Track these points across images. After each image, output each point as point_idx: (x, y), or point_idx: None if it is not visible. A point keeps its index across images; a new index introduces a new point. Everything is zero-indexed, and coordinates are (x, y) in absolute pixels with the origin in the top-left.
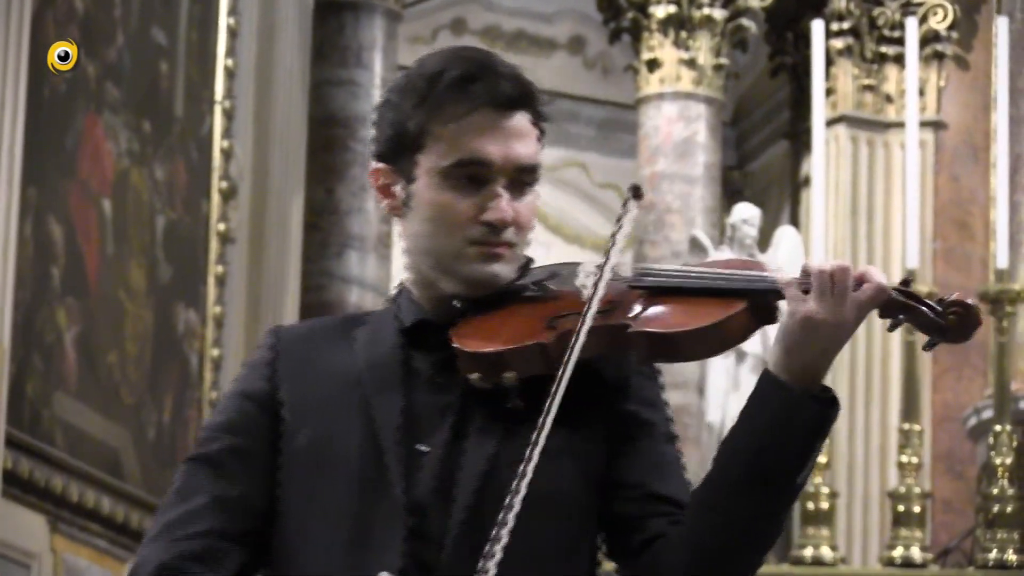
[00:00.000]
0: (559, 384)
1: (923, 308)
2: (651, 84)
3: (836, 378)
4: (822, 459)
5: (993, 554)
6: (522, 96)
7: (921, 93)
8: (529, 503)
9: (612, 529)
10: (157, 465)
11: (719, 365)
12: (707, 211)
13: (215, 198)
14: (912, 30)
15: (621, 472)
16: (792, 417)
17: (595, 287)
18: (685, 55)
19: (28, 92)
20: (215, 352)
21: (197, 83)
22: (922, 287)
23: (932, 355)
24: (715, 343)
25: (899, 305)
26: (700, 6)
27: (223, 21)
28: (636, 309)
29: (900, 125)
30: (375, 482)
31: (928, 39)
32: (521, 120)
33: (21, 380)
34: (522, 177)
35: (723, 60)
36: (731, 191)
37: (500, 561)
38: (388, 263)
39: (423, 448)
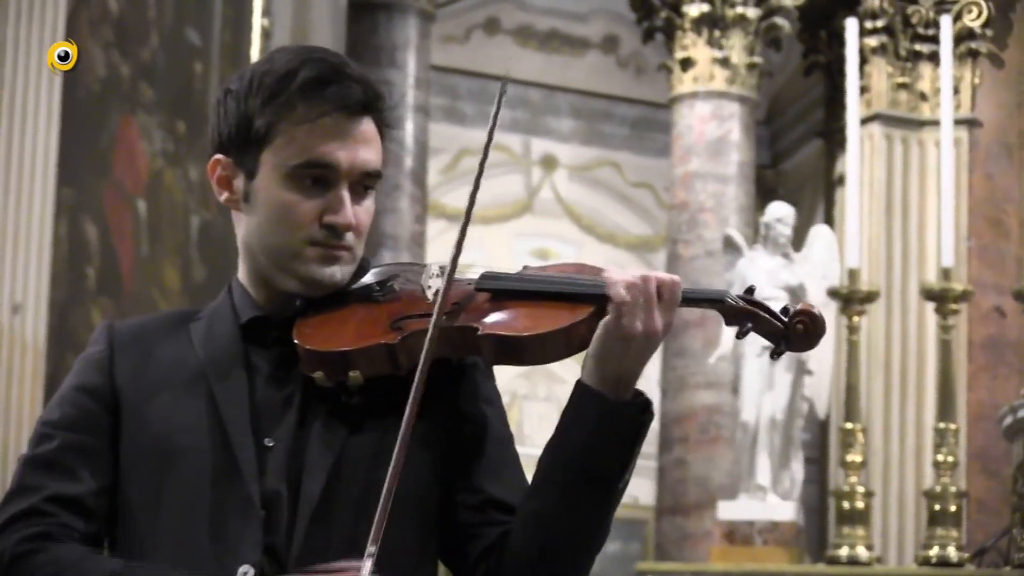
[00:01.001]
0: (419, 384)
1: (768, 316)
2: (684, 83)
3: (871, 377)
4: (857, 458)
5: None
6: (371, 102)
7: (955, 91)
8: (351, 499)
9: (451, 536)
10: None
11: (753, 365)
12: (741, 210)
13: None
14: (946, 28)
15: (461, 475)
16: (610, 425)
17: (446, 282)
18: (718, 54)
19: (63, 93)
20: None
21: None
22: (957, 285)
23: (967, 353)
24: (562, 347)
25: (745, 313)
26: (733, 5)
27: (256, 22)
28: (483, 311)
29: (934, 123)
30: (227, 476)
31: (962, 37)
32: (368, 125)
33: (56, 380)
34: (365, 182)
35: (756, 59)
36: (765, 190)
37: (322, 548)
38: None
39: (269, 443)
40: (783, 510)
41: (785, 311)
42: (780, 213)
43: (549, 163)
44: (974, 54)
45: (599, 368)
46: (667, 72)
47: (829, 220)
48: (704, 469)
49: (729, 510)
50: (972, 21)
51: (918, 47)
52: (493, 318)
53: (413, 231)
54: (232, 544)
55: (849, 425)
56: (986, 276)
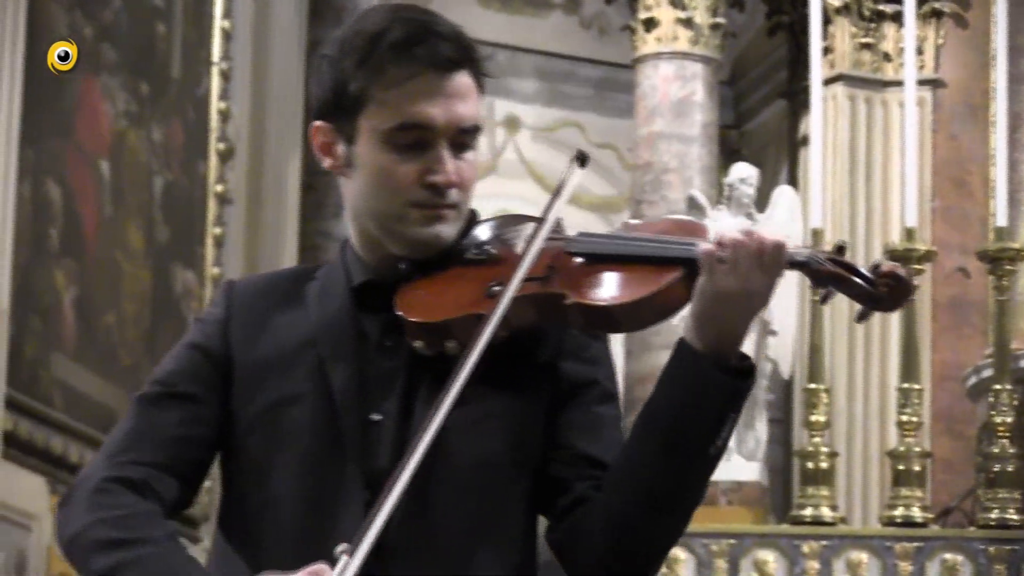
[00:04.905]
0: (470, 355)
1: (855, 279)
2: (648, 43)
3: (835, 338)
4: (821, 418)
5: (994, 514)
6: (462, 56)
7: (919, 51)
8: (457, 472)
9: (544, 488)
10: None
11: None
12: (704, 171)
13: (212, 159)
14: None
15: (555, 433)
16: (705, 388)
17: (526, 254)
18: (682, 14)
19: (26, 54)
20: None
21: (194, 44)
22: (920, 246)
23: (932, 314)
24: (650, 314)
25: (830, 275)
26: None
27: None
28: (574, 276)
29: (898, 83)
30: (333, 453)
31: None
32: (462, 79)
33: (19, 342)
34: (464, 138)
35: (720, 19)
36: (728, 150)
37: (424, 530)
38: None
39: (376, 417)
40: (748, 471)
41: (874, 269)
42: (744, 174)
43: (512, 124)
44: (938, 14)
45: (698, 327)
46: (630, 33)
47: (793, 181)
48: None
49: None
50: None
51: (882, 7)
52: (582, 285)
53: None
54: (334, 523)
55: (813, 385)
56: (950, 237)
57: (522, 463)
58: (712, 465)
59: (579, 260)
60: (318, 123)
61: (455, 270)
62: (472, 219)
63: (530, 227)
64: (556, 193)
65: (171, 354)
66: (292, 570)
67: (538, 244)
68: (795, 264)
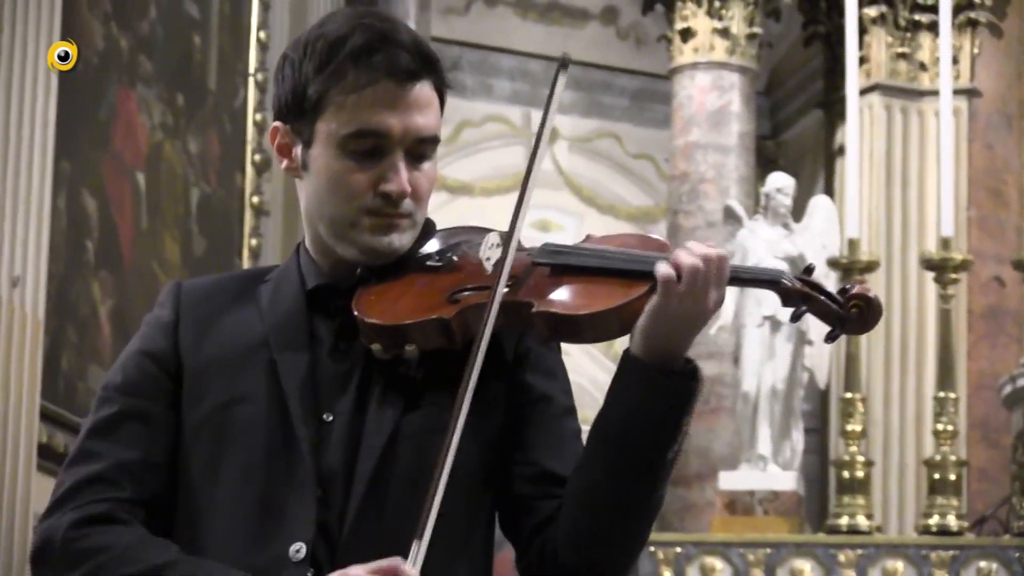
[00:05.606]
0: (475, 361)
1: (824, 299)
2: (684, 54)
3: (871, 347)
4: (857, 428)
5: None
6: (422, 67)
7: (955, 61)
8: (411, 476)
9: (507, 509)
10: None
11: (754, 335)
12: (741, 181)
13: (249, 171)
14: None
15: (517, 448)
16: (656, 396)
17: (502, 263)
18: (718, 24)
19: None
20: None
21: (230, 55)
22: (956, 255)
23: (967, 323)
24: (616, 325)
25: (801, 295)
26: None
27: None
28: (540, 286)
29: (934, 93)
30: (284, 451)
31: (961, 6)
32: (421, 90)
33: (56, 353)
34: (421, 148)
35: (756, 29)
36: (765, 160)
37: (378, 533)
38: None
39: (328, 418)
40: (784, 480)
41: (843, 292)
42: (780, 183)
43: (550, 135)
44: (973, 24)
45: (646, 342)
46: (667, 43)
47: (829, 190)
48: (705, 439)
49: (730, 480)
50: None
51: (917, 17)
52: (549, 294)
53: None
54: (286, 521)
55: (849, 395)
56: (986, 246)
57: (478, 470)
58: (668, 470)
59: (545, 271)
60: (277, 124)
61: (412, 276)
62: (428, 228)
63: (492, 236)
64: (548, 103)
65: (121, 362)
66: (244, 570)
67: (516, 237)
68: (764, 282)
